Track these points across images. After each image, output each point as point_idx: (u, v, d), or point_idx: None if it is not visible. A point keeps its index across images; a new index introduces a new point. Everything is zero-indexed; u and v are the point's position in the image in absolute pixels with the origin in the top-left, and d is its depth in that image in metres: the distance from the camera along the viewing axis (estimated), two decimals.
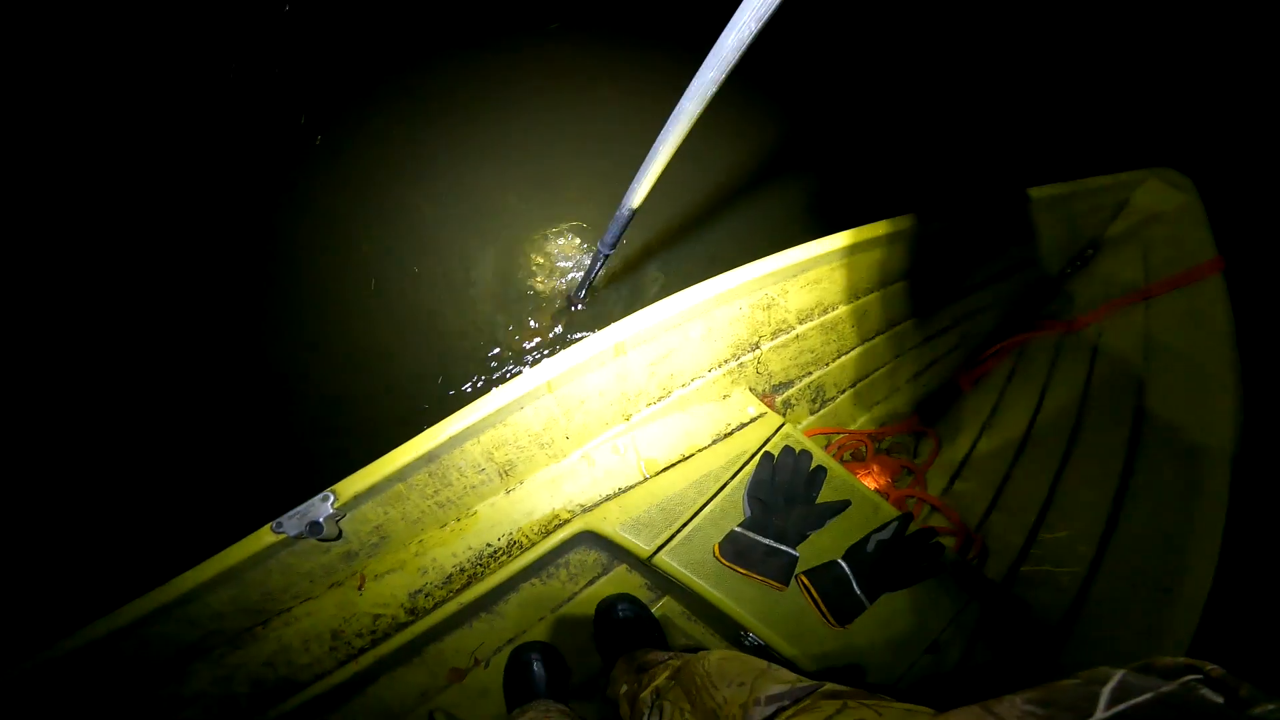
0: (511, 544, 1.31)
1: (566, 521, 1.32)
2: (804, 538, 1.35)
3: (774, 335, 1.52)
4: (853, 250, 1.50)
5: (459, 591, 1.26)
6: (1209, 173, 1.70)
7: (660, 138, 1.06)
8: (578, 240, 2.33)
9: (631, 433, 1.41)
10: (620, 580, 1.46)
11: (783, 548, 1.31)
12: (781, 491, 1.37)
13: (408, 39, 2.71)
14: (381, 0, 2.76)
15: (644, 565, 1.30)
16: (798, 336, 1.55)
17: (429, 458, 1.14)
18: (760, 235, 2.42)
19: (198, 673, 1.12)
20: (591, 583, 1.45)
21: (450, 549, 1.27)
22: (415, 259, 2.22)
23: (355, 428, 1.94)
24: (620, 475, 1.38)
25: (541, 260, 2.29)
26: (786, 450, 1.41)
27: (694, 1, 2.34)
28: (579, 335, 2.12)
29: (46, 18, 2.40)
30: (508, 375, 2.05)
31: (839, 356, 1.66)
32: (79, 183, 2.20)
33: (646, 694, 1.03)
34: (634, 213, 1.32)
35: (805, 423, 1.68)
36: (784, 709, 0.79)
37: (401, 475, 1.13)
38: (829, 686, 0.80)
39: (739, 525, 1.32)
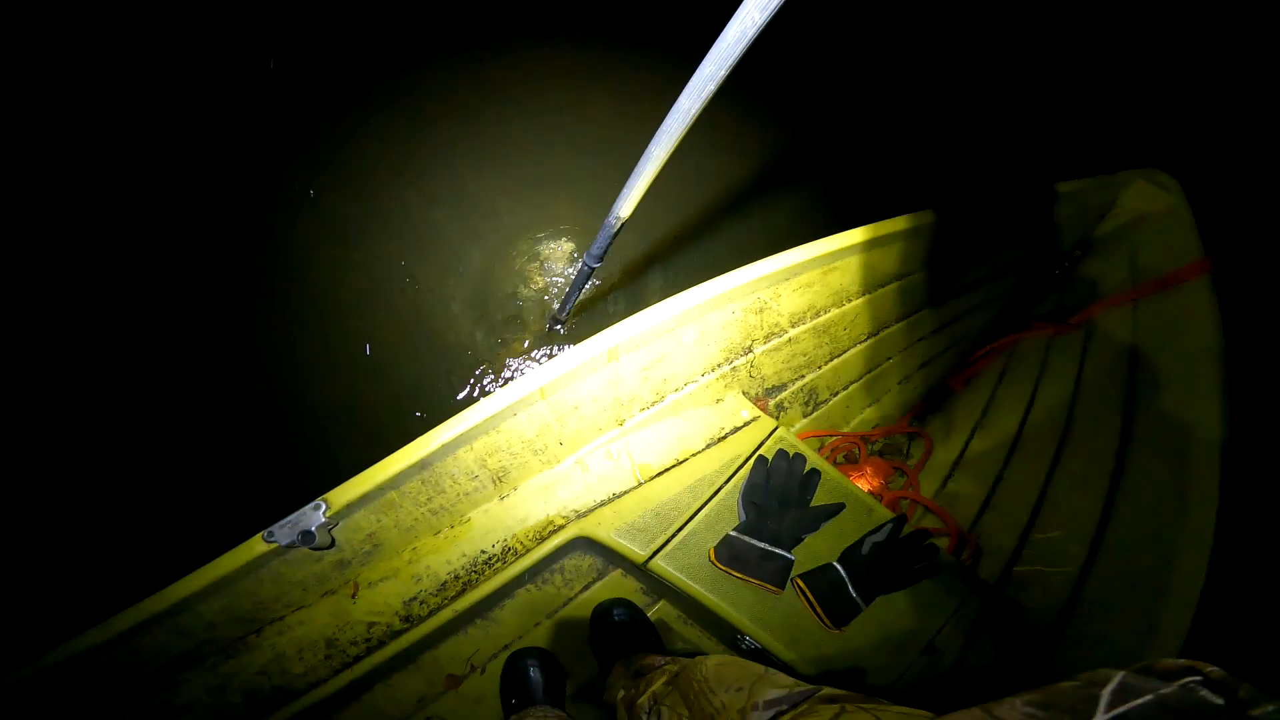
0: (506, 550, 1.29)
1: (561, 527, 1.30)
2: (799, 541, 1.33)
3: (766, 339, 1.50)
4: (844, 253, 1.49)
5: (454, 598, 1.24)
6: (1195, 174, 1.69)
7: (654, 140, 0.99)
8: (571, 245, 2.31)
9: (625, 438, 1.39)
10: (615, 585, 1.45)
11: (778, 551, 1.30)
12: (776, 495, 1.36)
13: (404, 41, 2.69)
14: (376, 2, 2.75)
15: (639, 570, 1.28)
16: (790, 340, 1.53)
17: (422, 465, 1.12)
18: (757, 242, 2.40)
19: (191, 682, 1.10)
20: (587, 588, 1.43)
21: (444, 556, 1.25)
22: (407, 265, 2.20)
23: (346, 437, 1.91)
24: (614, 480, 1.36)
25: (536, 266, 2.26)
26: (780, 453, 1.39)
27: (692, 6, 2.32)
28: (570, 345, 2.10)
29: (38, 14, 2.38)
30: (498, 385, 2.04)
31: (831, 359, 1.65)
32: (65, 185, 2.17)
33: (644, 700, 1.02)
34: (623, 222, 1.25)
35: (798, 426, 1.67)
36: (781, 714, 0.78)
37: (394, 483, 1.11)
38: (826, 691, 0.79)
39: (734, 529, 1.31)
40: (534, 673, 1.33)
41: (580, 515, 1.33)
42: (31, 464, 1.79)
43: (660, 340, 1.34)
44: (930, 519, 1.65)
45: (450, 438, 1.12)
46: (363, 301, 2.13)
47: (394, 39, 2.68)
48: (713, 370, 1.46)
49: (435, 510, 1.22)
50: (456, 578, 1.26)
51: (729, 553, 1.28)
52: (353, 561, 1.17)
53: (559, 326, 2.10)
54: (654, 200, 1.17)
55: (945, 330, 1.86)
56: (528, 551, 1.28)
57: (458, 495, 1.23)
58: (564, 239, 2.32)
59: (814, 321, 1.54)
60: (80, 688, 1.01)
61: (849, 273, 1.54)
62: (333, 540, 1.10)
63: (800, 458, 1.40)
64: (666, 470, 1.39)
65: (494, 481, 1.27)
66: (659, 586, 1.37)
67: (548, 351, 2.13)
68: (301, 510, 1.03)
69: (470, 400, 1.16)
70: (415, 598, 1.23)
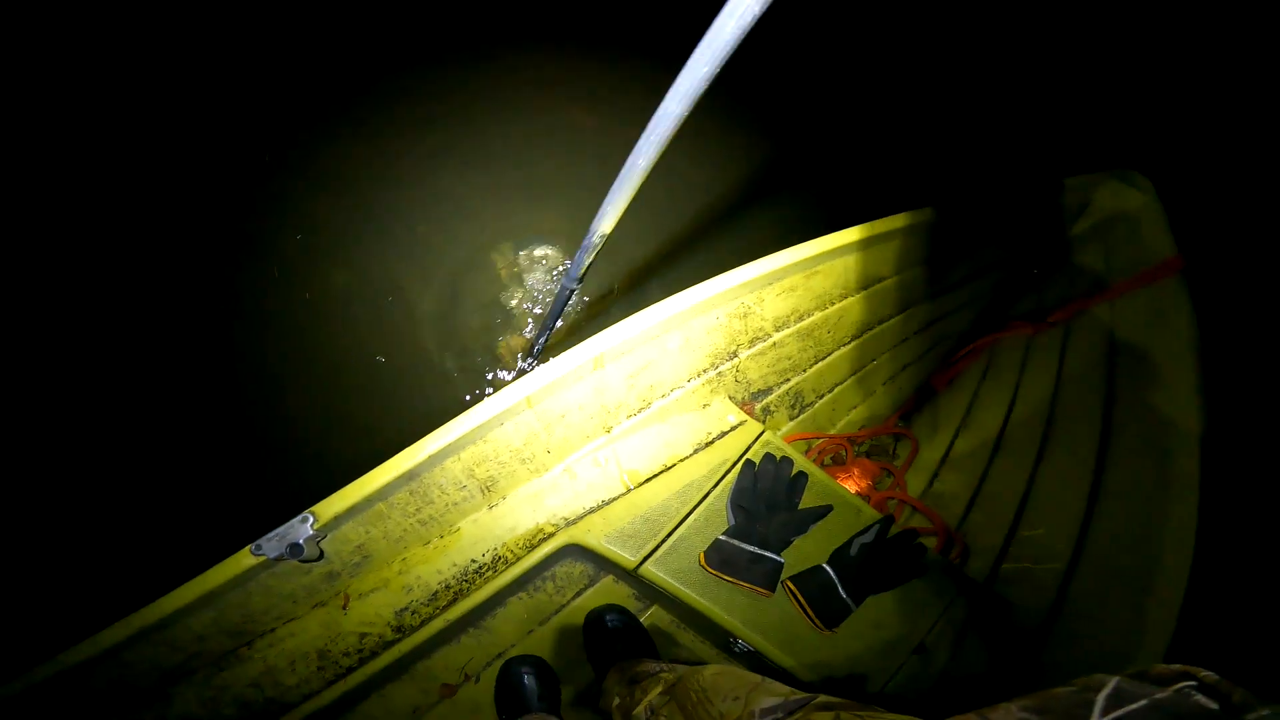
0: (496, 559, 1.28)
1: (551, 535, 1.28)
2: (788, 544, 1.32)
3: (751, 343, 1.49)
4: (827, 257, 1.48)
5: (445, 608, 1.22)
6: (1166, 173, 1.69)
7: (637, 150, 0.90)
8: (558, 253, 2.30)
9: (613, 445, 1.37)
10: (608, 591, 1.43)
11: (767, 554, 1.29)
12: (764, 498, 1.35)
13: (387, 49, 2.67)
14: (363, 10, 2.73)
15: (630, 576, 1.27)
16: (775, 344, 1.52)
17: (409, 476, 1.10)
18: (744, 252, 2.38)
19: (184, 695, 1.08)
20: (579, 595, 1.41)
21: (435, 566, 1.24)
22: (392, 278, 2.17)
23: (331, 450, 1.89)
24: (603, 487, 1.35)
25: (520, 278, 2.24)
26: (767, 457, 1.38)
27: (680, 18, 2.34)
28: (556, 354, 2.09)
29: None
30: (484, 396, 2.01)
31: (816, 362, 1.63)
32: (46, 193, 2.14)
33: (640, 710, 1.00)
34: (605, 239, 1.15)
35: (785, 429, 1.65)
36: None
37: (382, 494, 1.09)
38: (822, 698, 0.78)
39: (723, 533, 1.29)
40: (528, 680, 1.31)
41: (570, 523, 1.32)
42: (17, 477, 1.76)
43: (645, 347, 1.32)
44: (918, 519, 1.63)
45: (437, 448, 1.10)
46: (346, 314, 2.10)
47: (374, 49, 2.66)
48: (698, 376, 1.44)
49: (424, 521, 1.20)
50: (447, 587, 1.24)
51: (719, 557, 1.27)
52: (342, 573, 1.15)
53: (538, 349, 2.01)
54: (637, 214, 1.09)
55: (928, 331, 1.85)
56: (518, 560, 1.27)
57: (446, 505, 1.21)
58: (550, 247, 2.30)
59: (798, 325, 1.53)
60: (71, 703, 0.99)
61: (832, 276, 1.53)
62: (321, 552, 1.08)
63: (787, 461, 1.39)
64: (655, 476, 1.38)
65: (482, 491, 1.25)
66: (651, 592, 1.35)
67: (534, 359, 2.10)
68: (289, 523, 1.02)
69: (456, 411, 1.14)
70: (407, 608, 1.21)
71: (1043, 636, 1.31)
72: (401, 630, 1.21)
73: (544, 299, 2.20)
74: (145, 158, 2.27)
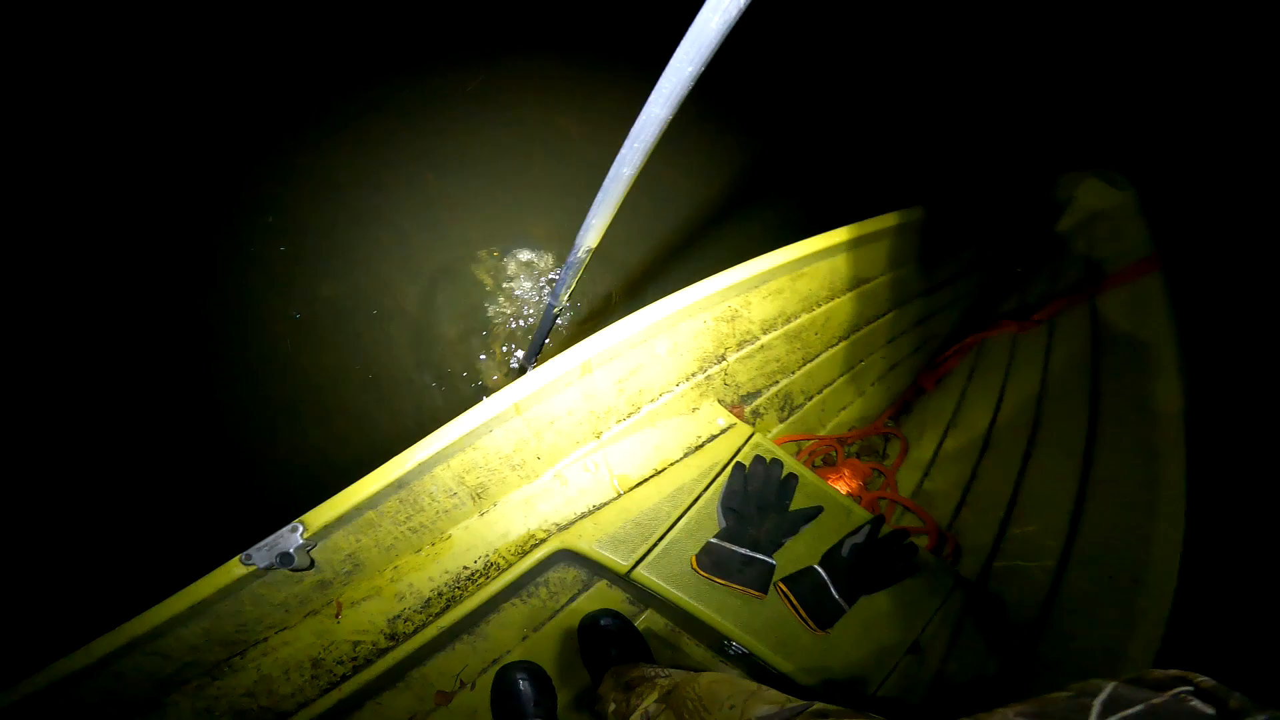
0: (488, 566, 1.27)
1: (542, 541, 1.28)
2: (779, 545, 1.31)
3: (739, 346, 1.48)
4: (812, 259, 1.47)
5: (438, 615, 1.21)
6: (1142, 172, 1.69)
7: (620, 159, 0.85)
8: (545, 262, 2.29)
9: (603, 450, 1.37)
10: (601, 596, 1.42)
11: (759, 556, 1.28)
12: (754, 501, 1.34)
13: (370, 56, 2.67)
14: (347, 15, 2.73)
15: (623, 580, 1.26)
16: (762, 347, 1.51)
17: (399, 484, 1.10)
18: (729, 255, 2.37)
19: (178, 705, 1.07)
20: (572, 600, 1.40)
21: (427, 573, 1.23)
22: (378, 287, 2.16)
23: (318, 461, 1.87)
24: (593, 492, 1.34)
25: (507, 288, 2.22)
26: (757, 460, 1.38)
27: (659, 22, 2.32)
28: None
29: None
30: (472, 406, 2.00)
31: (804, 364, 1.62)
32: (21, 203, 2.13)
33: (636, 716, 0.99)
34: (591, 254, 1.10)
35: (775, 431, 1.64)
36: None
37: (372, 503, 1.08)
38: (818, 706, 0.77)
39: (714, 536, 1.28)
40: (524, 686, 1.30)
41: (561, 528, 1.31)
42: (7, 487, 1.75)
43: (633, 352, 1.32)
44: (909, 518, 1.62)
45: (426, 456, 1.10)
46: (331, 325, 2.09)
47: (357, 57, 2.66)
48: (687, 380, 1.44)
49: (415, 528, 1.20)
50: (440, 594, 1.23)
51: (710, 559, 1.26)
52: (334, 581, 1.14)
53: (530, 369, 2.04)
54: (619, 221, 1.04)
55: (914, 330, 1.84)
56: (510, 566, 1.26)
57: (437, 513, 1.21)
58: (538, 253, 2.29)
59: (785, 327, 1.52)
60: (65, 713, 0.98)
61: (817, 278, 1.52)
62: (312, 561, 1.08)
63: (777, 463, 1.38)
64: (645, 480, 1.37)
65: (473, 498, 1.24)
66: (644, 596, 1.34)
67: (521, 366, 2.09)
68: (279, 532, 1.01)
69: (444, 420, 1.14)
70: (399, 615, 1.20)
71: (1036, 633, 1.29)
72: (395, 638, 1.20)
73: (530, 307, 2.19)
74: (130, 165, 2.26)
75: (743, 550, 1.28)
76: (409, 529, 1.19)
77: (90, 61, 2.42)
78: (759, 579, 1.26)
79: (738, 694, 0.85)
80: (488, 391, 2.02)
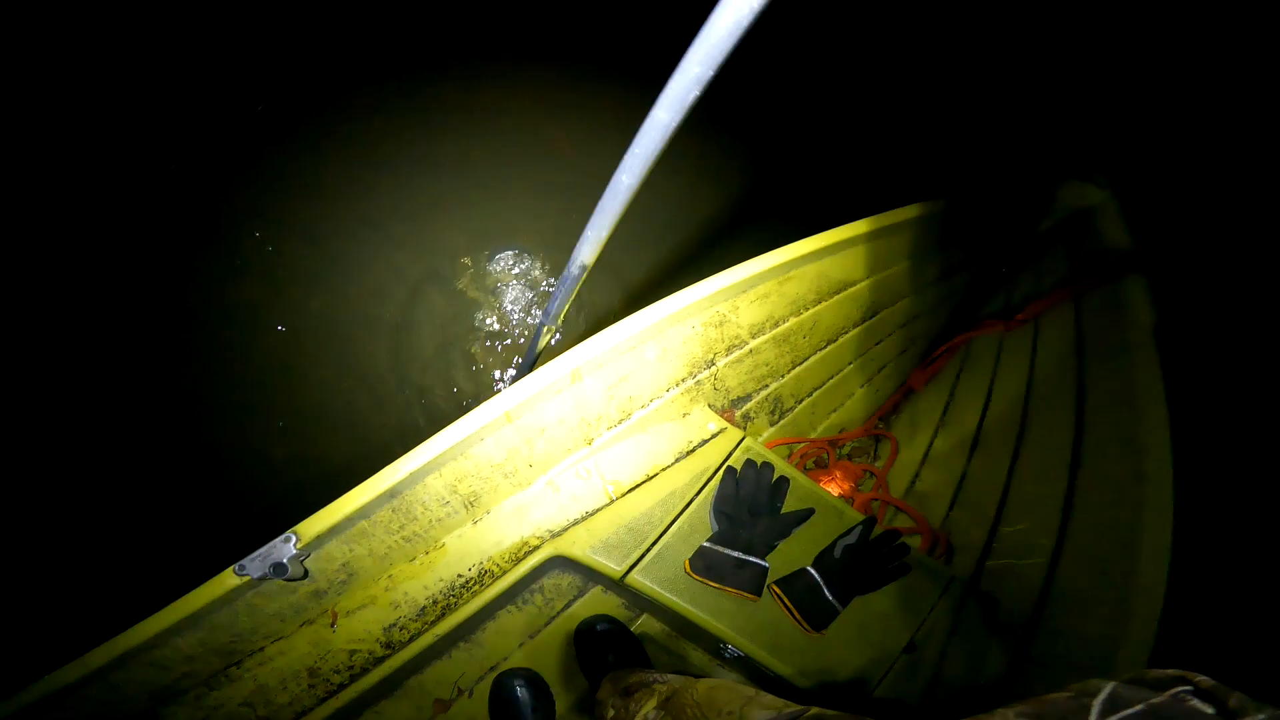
0: (483, 573, 1.26)
1: (536, 548, 1.27)
2: (772, 548, 1.30)
3: (728, 351, 1.48)
4: (798, 263, 1.46)
5: (434, 623, 1.20)
6: (1119, 173, 1.69)
7: (622, 166, 0.79)
8: (534, 274, 2.27)
9: (594, 456, 1.36)
10: (597, 602, 1.41)
11: (752, 559, 1.27)
12: (746, 504, 1.33)
13: (366, 61, 2.65)
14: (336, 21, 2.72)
15: (618, 585, 1.25)
16: (751, 351, 1.50)
17: (391, 494, 1.09)
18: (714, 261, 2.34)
19: (175, 716, 1.06)
20: (568, 606, 1.39)
21: (421, 582, 1.22)
22: (367, 299, 2.15)
23: (309, 473, 1.87)
24: (586, 499, 1.33)
25: (495, 300, 2.21)
26: (749, 463, 1.37)
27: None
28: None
29: None
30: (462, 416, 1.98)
31: (794, 367, 1.61)
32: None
33: None
34: (587, 270, 1.02)
35: (766, 434, 1.63)
36: None
37: (364, 513, 1.08)
38: (815, 711, 0.76)
39: (707, 540, 1.28)
40: (521, 693, 1.30)
41: (555, 535, 1.30)
42: None
43: (622, 359, 1.32)
44: (902, 518, 1.60)
45: (417, 466, 1.09)
46: (321, 337, 2.08)
47: (348, 64, 2.64)
48: (677, 385, 1.43)
49: (409, 537, 1.19)
50: (435, 602, 1.23)
51: (704, 563, 1.25)
52: (328, 591, 1.14)
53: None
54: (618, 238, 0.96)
55: (902, 331, 1.83)
56: (505, 573, 1.25)
57: (430, 522, 1.20)
58: (531, 261, 2.28)
59: (773, 331, 1.52)
60: None
61: (804, 282, 1.52)
62: (306, 571, 1.07)
63: (768, 466, 1.37)
64: (637, 486, 1.36)
65: (466, 506, 1.24)
66: (639, 600, 1.33)
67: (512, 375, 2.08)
68: (271, 543, 1.01)
69: (434, 430, 1.14)
70: (395, 624, 1.20)
71: (1031, 630, 1.28)
72: (391, 646, 1.19)
73: (519, 320, 2.18)
74: (118, 177, 2.25)
75: (736, 553, 1.27)
76: (402, 538, 1.18)
77: (73, 72, 2.41)
78: (753, 581, 1.25)
79: (736, 699, 0.85)
80: (479, 392, 2.02)
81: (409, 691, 1.26)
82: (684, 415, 1.45)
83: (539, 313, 2.16)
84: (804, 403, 1.67)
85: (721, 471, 1.36)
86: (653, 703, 0.99)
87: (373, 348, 2.09)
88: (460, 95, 2.65)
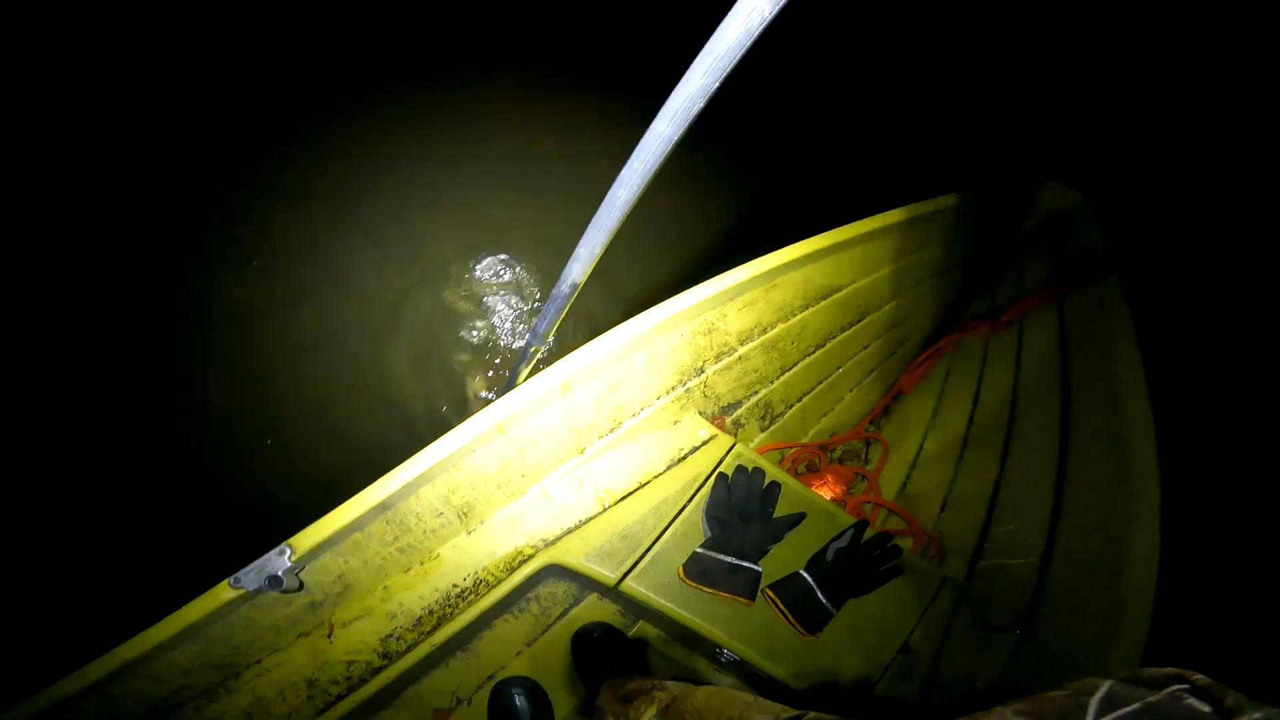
0: (478, 583, 1.26)
1: (530, 557, 1.26)
2: (765, 553, 1.30)
3: (717, 358, 1.48)
4: (784, 269, 1.46)
5: (430, 633, 1.20)
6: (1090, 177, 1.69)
7: (619, 180, 0.75)
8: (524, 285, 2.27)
9: (586, 465, 1.36)
10: (593, 609, 1.40)
11: (745, 564, 1.26)
12: (738, 510, 1.33)
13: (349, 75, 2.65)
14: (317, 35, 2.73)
15: (613, 592, 1.25)
16: (740, 358, 1.50)
17: (384, 506, 1.09)
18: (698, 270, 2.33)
19: None
20: (564, 614, 1.39)
21: (417, 592, 1.22)
22: (356, 315, 2.15)
23: (299, 486, 1.86)
24: (579, 508, 1.33)
25: (484, 313, 2.20)
26: (740, 469, 1.37)
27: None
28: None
29: None
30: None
31: (783, 373, 1.61)
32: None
33: None
34: (578, 289, 0.98)
35: (757, 440, 1.63)
36: None
37: (358, 525, 1.08)
38: (812, 715, 0.76)
39: (700, 546, 1.27)
40: (520, 701, 1.29)
41: (549, 544, 1.30)
42: None
43: (612, 369, 1.31)
44: (894, 521, 1.59)
45: (410, 478, 1.09)
46: (311, 351, 2.08)
47: (337, 75, 2.65)
48: (667, 393, 1.43)
49: (403, 548, 1.19)
50: (431, 612, 1.22)
51: (697, 569, 1.25)
52: (324, 603, 1.14)
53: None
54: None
55: (889, 335, 1.82)
56: (500, 582, 1.24)
57: (424, 533, 1.20)
58: (522, 276, 2.27)
59: (762, 338, 1.51)
60: None
61: (790, 288, 1.51)
62: (301, 583, 1.07)
63: (760, 471, 1.37)
64: (630, 494, 1.36)
65: (459, 517, 1.24)
66: (635, 607, 1.33)
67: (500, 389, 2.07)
68: (266, 556, 1.01)
69: (427, 443, 1.14)
70: (392, 634, 1.20)
71: (1024, 629, 1.27)
72: (388, 656, 1.19)
73: (511, 328, 2.17)
74: (100, 184, 2.25)
75: (729, 559, 1.27)
76: (397, 549, 1.19)
77: (56, 81, 2.40)
78: (746, 586, 1.25)
79: (735, 705, 0.85)
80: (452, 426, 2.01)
81: (407, 701, 1.25)
82: (675, 423, 1.45)
83: (533, 321, 2.16)
84: (794, 408, 1.66)
85: (713, 478, 1.35)
86: (652, 710, 0.99)
87: (362, 360, 2.09)
88: (450, 104, 2.65)
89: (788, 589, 1.26)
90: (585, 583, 1.33)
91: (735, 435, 1.52)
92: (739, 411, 1.56)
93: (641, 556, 1.25)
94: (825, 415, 1.75)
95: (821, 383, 1.70)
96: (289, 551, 1.03)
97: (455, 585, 1.25)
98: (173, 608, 0.98)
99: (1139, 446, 1.18)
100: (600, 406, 1.34)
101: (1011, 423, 1.54)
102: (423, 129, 2.59)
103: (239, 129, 2.46)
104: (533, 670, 1.35)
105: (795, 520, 1.34)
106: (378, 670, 1.17)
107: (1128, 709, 0.44)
